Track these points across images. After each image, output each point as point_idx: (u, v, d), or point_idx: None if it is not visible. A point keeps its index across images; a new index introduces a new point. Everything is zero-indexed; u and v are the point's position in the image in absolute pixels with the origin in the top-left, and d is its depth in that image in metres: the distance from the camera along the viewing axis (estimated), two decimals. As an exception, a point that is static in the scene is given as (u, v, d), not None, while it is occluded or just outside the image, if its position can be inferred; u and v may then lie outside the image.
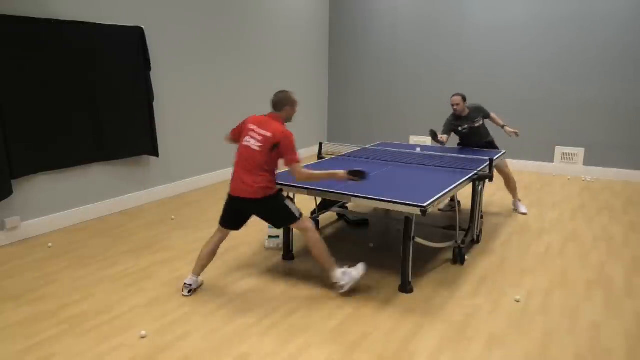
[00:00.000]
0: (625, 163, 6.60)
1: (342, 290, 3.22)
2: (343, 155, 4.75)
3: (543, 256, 3.97)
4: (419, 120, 7.89)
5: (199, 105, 5.97)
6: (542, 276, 3.59)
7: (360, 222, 4.67)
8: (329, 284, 3.41)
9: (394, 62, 7.95)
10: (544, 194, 5.90)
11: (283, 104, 3.19)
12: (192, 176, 6.00)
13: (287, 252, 3.87)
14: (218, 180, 6.39)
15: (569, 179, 6.69)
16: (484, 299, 3.24)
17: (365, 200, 3.21)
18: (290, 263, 3.81)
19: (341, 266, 3.28)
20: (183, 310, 3.05)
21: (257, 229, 4.48)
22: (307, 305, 3.13)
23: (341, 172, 3.19)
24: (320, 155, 4.63)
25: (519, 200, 5.25)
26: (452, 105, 4.92)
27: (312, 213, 4.38)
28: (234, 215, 3.27)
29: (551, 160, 7.05)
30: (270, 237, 4.06)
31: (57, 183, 4.53)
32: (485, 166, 4.19)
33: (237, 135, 3.31)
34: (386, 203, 3.12)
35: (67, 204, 4.63)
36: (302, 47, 7.80)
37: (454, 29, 7.39)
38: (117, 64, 4.79)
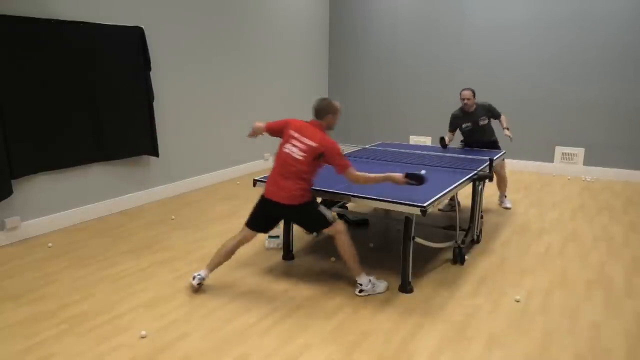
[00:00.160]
0: (625, 163, 6.60)
1: (359, 294, 3.25)
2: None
3: (543, 256, 3.97)
4: (419, 120, 7.89)
5: (199, 105, 5.97)
6: (542, 276, 3.59)
7: (360, 222, 4.67)
8: (329, 284, 3.41)
9: (394, 62, 7.95)
10: (544, 194, 5.90)
11: (326, 111, 3.20)
12: (192, 176, 6.00)
13: (287, 252, 3.88)
14: (218, 180, 6.39)
15: (569, 179, 6.69)
16: (484, 299, 3.24)
17: (365, 200, 3.21)
18: (290, 263, 3.81)
19: (369, 273, 3.33)
20: (183, 310, 3.05)
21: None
22: (307, 305, 3.13)
23: (399, 175, 3.11)
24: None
25: (505, 196, 5.39)
26: (463, 99, 4.94)
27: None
28: (265, 218, 3.31)
29: (551, 160, 7.05)
30: (270, 237, 4.06)
31: (57, 183, 4.53)
32: (485, 166, 4.19)
33: (276, 132, 3.36)
34: (386, 203, 3.12)
35: (67, 204, 4.63)
36: (302, 47, 7.80)
37: (454, 29, 7.39)
38: (117, 64, 4.79)
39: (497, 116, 5.10)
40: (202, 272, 3.29)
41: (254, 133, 3.53)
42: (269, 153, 7.26)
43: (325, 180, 3.55)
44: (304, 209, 3.16)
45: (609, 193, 5.95)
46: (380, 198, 3.15)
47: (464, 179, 3.71)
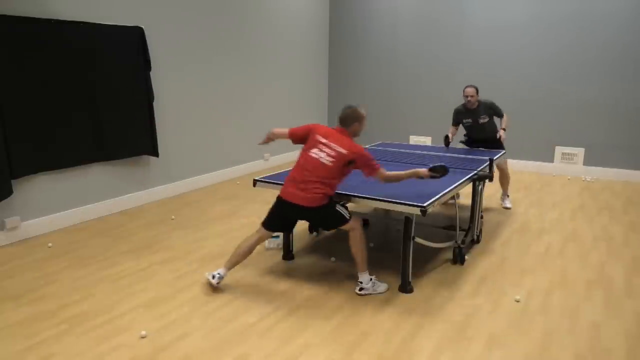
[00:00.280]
0: (625, 163, 6.60)
1: (359, 293, 3.25)
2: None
3: (543, 256, 3.97)
4: (419, 120, 7.89)
5: (199, 105, 5.97)
6: (542, 276, 3.59)
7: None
8: (329, 284, 3.42)
9: (394, 62, 7.95)
10: (544, 194, 5.90)
11: (353, 119, 3.23)
12: (192, 176, 6.00)
13: (287, 252, 3.88)
14: (218, 180, 6.39)
15: (569, 179, 6.69)
16: (484, 299, 3.24)
17: (365, 200, 3.21)
18: (290, 263, 3.81)
19: (370, 274, 3.32)
20: (183, 310, 3.06)
21: (256, 229, 4.47)
22: (307, 305, 3.13)
23: (423, 170, 3.30)
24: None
25: (507, 196, 5.39)
26: (466, 96, 4.99)
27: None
28: (282, 219, 3.33)
29: (551, 160, 7.05)
30: (270, 237, 4.06)
31: (57, 183, 4.53)
32: (485, 166, 4.19)
33: (300, 138, 3.36)
34: (386, 203, 3.12)
35: (67, 204, 4.63)
36: (302, 47, 7.80)
37: (454, 29, 7.39)
38: (117, 64, 4.79)
39: (499, 115, 5.11)
40: (221, 271, 3.29)
41: (269, 139, 3.54)
42: (269, 153, 7.26)
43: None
44: (322, 210, 3.16)
45: (609, 193, 5.95)
46: (380, 198, 3.15)
47: (464, 179, 3.71)
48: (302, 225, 4.44)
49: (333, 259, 3.86)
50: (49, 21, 4.21)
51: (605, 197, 5.77)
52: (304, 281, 3.48)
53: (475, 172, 3.97)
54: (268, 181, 3.63)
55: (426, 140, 7.83)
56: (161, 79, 5.40)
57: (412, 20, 7.69)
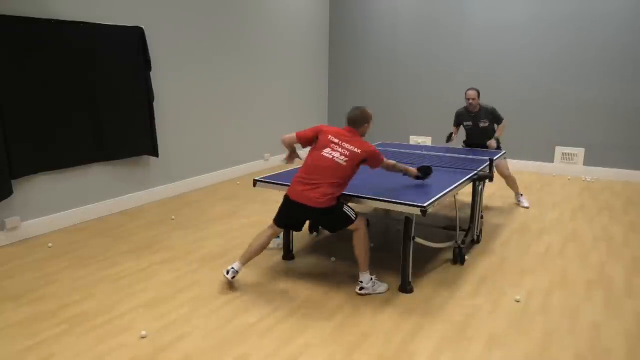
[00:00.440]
0: (625, 163, 6.60)
1: (359, 292, 3.26)
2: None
3: (543, 256, 3.97)
4: (419, 120, 7.89)
5: (199, 105, 5.97)
6: (542, 276, 3.59)
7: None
8: (329, 284, 3.42)
9: (394, 62, 7.95)
10: (544, 194, 5.90)
11: (363, 120, 3.30)
12: (192, 176, 6.00)
13: (287, 252, 3.88)
14: (218, 180, 6.39)
15: (569, 179, 6.69)
16: (484, 299, 3.24)
17: (365, 200, 3.21)
18: (290, 263, 3.81)
19: (372, 273, 3.33)
20: (183, 310, 3.06)
21: (256, 229, 4.48)
22: (307, 305, 3.13)
23: (413, 169, 3.52)
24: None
25: (521, 195, 5.39)
26: (468, 99, 5.04)
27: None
28: (291, 218, 3.33)
29: (551, 160, 7.05)
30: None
31: (57, 183, 4.53)
32: (485, 166, 4.19)
33: (309, 140, 3.35)
34: (386, 203, 3.12)
35: (67, 204, 4.63)
36: (302, 47, 7.80)
37: (454, 29, 7.39)
38: (117, 64, 4.79)
39: (498, 121, 5.12)
40: (236, 265, 3.29)
41: (293, 153, 3.51)
42: (269, 153, 7.26)
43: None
44: (330, 212, 3.16)
45: (609, 193, 5.95)
46: (380, 198, 3.15)
47: (464, 179, 3.71)
48: (302, 225, 4.44)
49: (333, 259, 3.86)
50: (49, 21, 4.21)
51: (605, 197, 5.77)
52: (304, 281, 3.48)
53: (475, 172, 3.97)
54: (268, 181, 3.63)
55: (426, 140, 7.83)
56: (161, 79, 5.40)
57: (412, 20, 7.69)
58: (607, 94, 6.56)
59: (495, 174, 5.12)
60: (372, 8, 7.98)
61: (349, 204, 3.29)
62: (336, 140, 3.22)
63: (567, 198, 5.71)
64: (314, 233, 4.41)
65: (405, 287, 3.31)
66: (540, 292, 3.33)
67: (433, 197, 3.15)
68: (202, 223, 4.75)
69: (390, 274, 3.58)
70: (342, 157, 3.15)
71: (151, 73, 5.18)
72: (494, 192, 5.92)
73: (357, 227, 3.23)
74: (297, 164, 3.78)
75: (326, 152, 3.19)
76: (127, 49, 4.87)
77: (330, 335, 2.79)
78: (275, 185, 3.57)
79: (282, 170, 3.96)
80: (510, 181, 5.28)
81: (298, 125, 7.66)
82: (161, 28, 5.33)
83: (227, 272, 3.27)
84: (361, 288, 3.25)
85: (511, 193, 5.63)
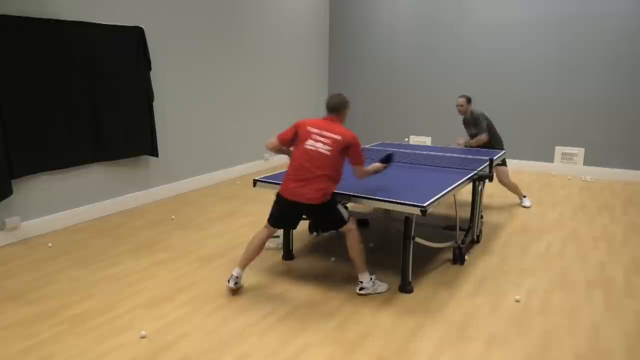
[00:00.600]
0: (625, 163, 6.60)
1: (359, 292, 3.25)
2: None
3: (543, 256, 3.97)
4: (419, 120, 7.88)
5: (199, 105, 5.97)
6: (542, 276, 3.59)
7: (360, 222, 4.66)
8: (329, 284, 3.41)
9: (394, 62, 7.95)
10: (544, 194, 5.90)
11: (342, 105, 3.23)
12: (192, 176, 6.00)
13: (287, 252, 3.87)
14: (218, 180, 6.39)
15: (569, 179, 6.69)
16: (484, 299, 3.24)
17: (365, 200, 3.21)
18: (290, 263, 3.81)
19: (372, 272, 3.33)
20: (183, 310, 3.05)
21: (256, 229, 4.48)
22: (307, 305, 3.13)
23: (379, 165, 3.34)
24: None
25: (524, 196, 5.42)
26: (456, 106, 5.13)
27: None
28: (284, 216, 3.29)
29: (551, 160, 7.05)
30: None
31: (57, 183, 4.53)
32: (485, 166, 4.19)
33: (289, 141, 3.29)
34: (386, 203, 3.12)
35: (67, 204, 4.63)
36: (302, 47, 7.80)
37: (454, 29, 7.39)
38: (117, 64, 4.79)
39: (479, 130, 5.04)
40: (236, 272, 3.24)
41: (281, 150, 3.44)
42: (269, 153, 7.26)
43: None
44: (324, 208, 3.14)
45: (609, 193, 5.95)
46: (380, 198, 3.15)
47: (464, 179, 3.71)
48: (302, 225, 4.44)
49: (333, 258, 3.86)
50: (49, 21, 4.21)
51: (605, 197, 5.77)
52: (304, 281, 3.48)
53: (475, 172, 3.97)
54: (268, 181, 3.64)
55: (426, 140, 7.83)
56: (161, 79, 5.40)
57: (412, 20, 7.69)
58: (607, 94, 6.55)
59: (496, 179, 5.13)
60: (372, 8, 7.98)
61: (349, 203, 3.29)
62: (316, 131, 3.15)
63: (567, 198, 5.71)
64: (314, 233, 4.41)
65: (405, 287, 3.31)
66: (540, 292, 3.33)
67: (433, 197, 3.14)
68: (202, 223, 4.75)
69: (390, 274, 3.58)
70: (325, 146, 3.09)
71: (151, 73, 5.18)
72: (494, 192, 5.92)
73: (350, 229, 3.21)
74: None
75: (309, 144, 3.14)
76: (127, 49, 4.87)
77: (330, 335, 2.79)
78: (275, 185, 3.56)
79: (282, 170, 3.95)
80: (511, 188, 5.29)
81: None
82: (161, 28, 5.33)
83: (229, 281, 3.24)
84: (361, 288, 3.25)
85: (511, 193, 5.63)
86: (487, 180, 4.09)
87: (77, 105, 4.52)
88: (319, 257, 3.92)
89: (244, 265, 3.29)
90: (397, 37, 7.85)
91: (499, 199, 5.64)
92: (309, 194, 3.07)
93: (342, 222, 3.19)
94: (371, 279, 3.27)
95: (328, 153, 3.08)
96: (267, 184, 3.63)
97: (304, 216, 3.34)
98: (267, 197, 5.62)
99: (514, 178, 6.59)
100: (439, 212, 5.11)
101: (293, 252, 3.92)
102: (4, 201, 4.10)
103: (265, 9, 6.85)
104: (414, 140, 7.94)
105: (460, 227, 3.95)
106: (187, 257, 3.92)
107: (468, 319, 2.98)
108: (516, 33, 6.96)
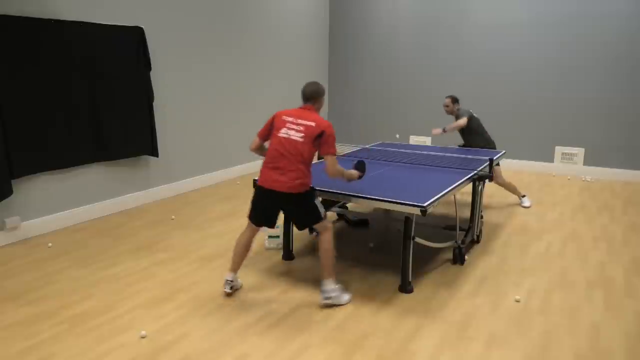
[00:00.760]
0: (624, 163, 6.60)
1: (325, 303, 3.13)
2: (343, 155, 4.75)
3: (543, 256, 3.97)
4: (419, 120, 7.89)
5: (199, 105, 5.97)
6: (542, 276, 3.59)
7: (360, 222, 4.67)
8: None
9: (394, 62, 7.95)
10: (544, 194, 5.90)
11: (318, 93, 3.16)
12: (192, 176, 6.00)
13: (287, 252, 3.88)
14: (218, 180, 6.39)
15: (569, 179, 6.69)
16: (484, 299, 3.24)
17: (365, 200, 3.21)
18: (290, 263, 3.81)
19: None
20: (183, 311, 3.05)
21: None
22: (307, 305, 3.13)
23: (354, 172, 3.26)
24: (320, 156, 4.63)
25: (523, 196, 5.42)
26: (443, 106, 5.27)
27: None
28: (265, 210, 3.19)
29: (551, 160, 7.05)
30: (270, 237, 4.06)
31: (57, 183, 4.53)
32: (485, 166, 4.19)
33: (267, 134, 3.23)
34: (386, 203, 3.12)
35: (67, 204, 4.63)
36: (302, 47, 7.80)
37: (454, 30, 7.39)
38: (117, 64, 4.79)
39: (460, 120, 5.05)
40: (229, 277, 3.22)
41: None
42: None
43: (326, 180, 3.55)
44: (302, 200, 3.07)
45: (609, 193, 5.95)
46: (380, 198, 3.15)
47: (463, 179, 3.71)
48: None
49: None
50: (49, 21, 4.21)
51: (605, 197, 5.78)
52: (304, 281, 3.48)
53: (475, 172, 3.97)
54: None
55: (426, 140, 7.83)
56: (161, 79, 5.40)
57: (412, 20, 7.69)
58: (607, 94, 6.56)
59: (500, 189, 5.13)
60: (372, 8, 7.98)
61: (349, 204, 3.28)
62: (290, 119, 3.10)
63: (567, 198, 5.71)
64: (314, 233, 4.41)
65: (405, 287, 3.31)
66: (540, 292, 3.33)
67: (433, 197, 3.15)
68: (202, 223, 4.75)
69: (390, 274, 3.58)
70: (299, 133, 3.03)
71: (151, 73, 5.18)
72: (494, 192, 5.92)
73: (326, 227, 3.14)
74: None
75: (283, 132, 3.08)
76: (127, 49, 4.87)
77: (330, 335, 2.79)
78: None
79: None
80: (508, 188, 5.29)
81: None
82: (161, 28, 5.33)
83: (225, 287, 3.22)
84: (327, 298, 3.10)
85: (512, 193, 5.63)
86: (487, 180, 4.09)
87: (77, 105, 4.52)
88: (319, 257, 3.91)
89: (235, 268, 3.25)
90: (397, 37, 7.85)
91: (499, 199, 5.64)
92: (288, 182, 2.99)
93: (319, 218, 3.12)
94: (337, 288, 3.13)
95: (301, 140, 3.01)
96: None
97: (280, 209, 3.20)
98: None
99: (514, 178, 6.60)
100: (439, 212, 5.11)
101: (293, 252, 3.92)
102: (4, 201, 4.10)
103: (265, 10, 6.85)
104: (414, 140, 7.94)
105: (460, 227, 3.95)
106: (187, 257, 3.92)
107: (468, 319, 2.98)
108: (516, 33, 6.96)
